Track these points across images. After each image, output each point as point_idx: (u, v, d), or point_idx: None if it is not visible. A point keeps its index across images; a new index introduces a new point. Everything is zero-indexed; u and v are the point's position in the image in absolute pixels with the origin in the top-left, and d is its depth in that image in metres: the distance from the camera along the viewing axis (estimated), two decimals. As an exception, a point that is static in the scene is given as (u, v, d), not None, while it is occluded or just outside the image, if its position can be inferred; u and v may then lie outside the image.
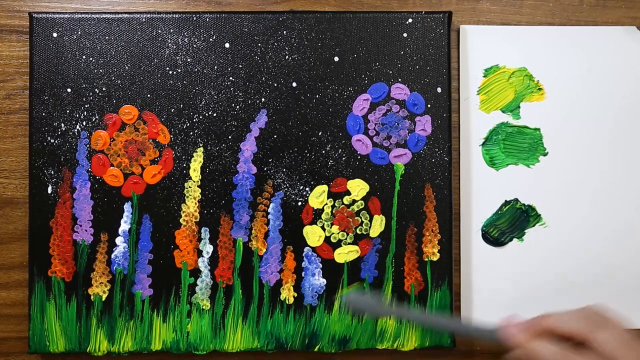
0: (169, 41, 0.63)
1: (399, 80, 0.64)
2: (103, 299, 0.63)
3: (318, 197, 0.64)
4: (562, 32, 0.66)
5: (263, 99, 0.64)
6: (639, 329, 0.66)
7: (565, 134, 0.66)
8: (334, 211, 0.64)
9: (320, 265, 0.64)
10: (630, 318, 0.66)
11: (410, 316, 0.58)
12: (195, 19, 0.63)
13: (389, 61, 0.64)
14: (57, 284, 0.63)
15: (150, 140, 0.64)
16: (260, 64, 0.64)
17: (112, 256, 0.63)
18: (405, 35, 0.64)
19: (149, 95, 0.63)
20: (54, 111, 0.63)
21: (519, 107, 0.66)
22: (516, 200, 0.66)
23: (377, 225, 0.64)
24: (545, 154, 0.66)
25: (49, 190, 0.63)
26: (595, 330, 0.46)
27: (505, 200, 0.66)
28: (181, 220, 0.63)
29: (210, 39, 0.63)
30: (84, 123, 0.63)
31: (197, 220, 0.63)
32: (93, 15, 0.63)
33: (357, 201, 0.64)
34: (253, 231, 0.64)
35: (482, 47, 0.66)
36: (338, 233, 0.64)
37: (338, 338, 0.64)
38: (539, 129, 0.66)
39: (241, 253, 0.64)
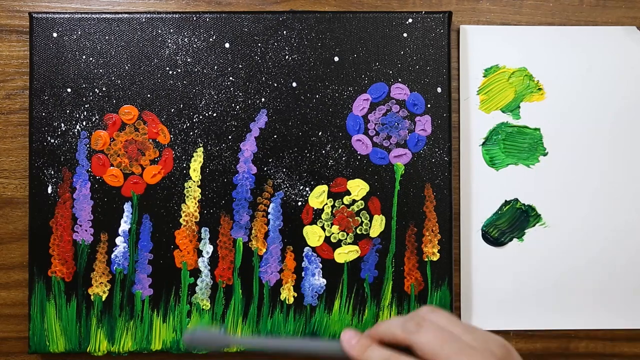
0: (169, 41, 0.63)
1: (399, 80, 0.64)
2: (103, 299, 0.63)
3: (318, 197, 0.64)
4: (562, 32, 0.66)
5: (263, 99, 0.64)
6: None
7: (565, 134, 0.66)
8: (334, 211, 0.64)
9: (320, 265, 0.64)
10: (631, 318, 0.66)
11: (256, 344, 0.57)
12: (195, 19, 0.63)
13: (389, 61, 0.64)
14: (57, 284, 0.63)
15: (150, 140, 0.64)
16: (260, 64, 0.64)
17: (112, 256, 0.63)
18: (405, 35, 0.64)
19: (149, 95, 0.63)
20: (54, 111, 0.63)
21: (519, 107, 0.66)
22: (516, 200, 0.66)
23: (377, 225, 0.64)
24: (545, 154, 0.66)
25: (49, 190, 0.63)
26: (414, 332, 0.45)
27: (505, 200, 0.66)
28: (181, 220, 0.63)
29: (210, 39, 0.63)
30: (84, 123, 0.63)
31: (197, 220, 0.63)
32: (93, 15, 0.63)
33: (357, 201, 0.64)
34: (253, 231, 0.64)
35: (482, 47, 0.66)
36: (338, 233, 0.64)
37: (338, 338, 0.64)
38: (539, 129, 0.66)
39: (241, 253, 0.64)
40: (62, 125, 0.63)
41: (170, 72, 0.63)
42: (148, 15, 0.63)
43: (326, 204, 0.64)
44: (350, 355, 0.48)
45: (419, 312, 0.48)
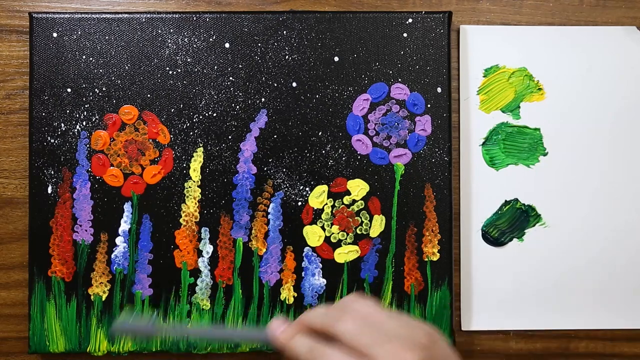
0: (169, 41, 0.63)
1: (399, 80, 0.64)
2: (103, 299, 0.63)
3: (318, 197, 0.64)
4: (562, 32, 0.66)
5: (263, 99, 0.64)
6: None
7: (565, 134, 0.66)
8: (334, 211, 0.64)
9: (320, 265, 0.64)
10: (631, 318, 0.66)
11: (183, 332, 0.55)
12: (195, 19, 0.63)
13: (389, 61, 0.64)
14: (57, 284, 0.63)
15: (150, 140, 0.64)
16: (260, 64, 0.64)
17: (112, 256, 0.63)
18: (405, 35, 0.64)
19: (149, 95, 0.63)
20: (54, 111, 0.63)
21: (519, 107, 0.66)
22: (516, 200, 0.66)
23: (377, 225, 0.64)
24: (545, 154, 0.66)
25: (49, 190, 0.63)
26: (337, 320, 0.44)
27: (505, 200, 0.66)
28: (181, 220, 0.63)
29: (210, 39, 0.63)
30: (84, 123, 0.63)
31: (197, 220, 0.63)
32: (93, 15, 0.63)
33: (357, 201, 0.64)
34: (253, 231, 0.64)
35: (482, 47, 0.66)
36: (338, 233, 0.64)
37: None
38: (539, 129, 0.66)
39: (241, 253, 0.64)
40: (62, 125, 0.63)
41: (170, 72, 0.63)
42: (148, 15, 0.63)
43: (326, 204, 0.64)
44: (277, 343, 0.48)
45: (344, 300, 0.47)
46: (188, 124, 0.63)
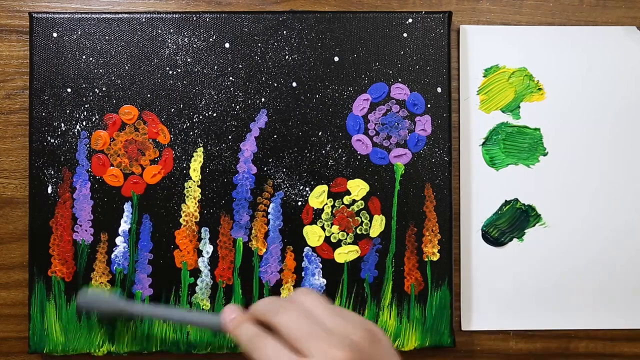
0: (169, 41, 0.63)
1: (399, 80, 0.64)
2: (103, 299, 0.63)
3: (318, 197, 0.64)
4: (562, 32, 0.66)
5: (263, 99, 0.64)
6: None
7: (565, 134, 0.66)
8: (334, 211, 0.64)
9: (320, 265, 0.64)
10: (631, 318, 0.66)
11: (140, 311, 0.58)
12: (195, 19, 0.63)
13: (389, 61, 0.64)
14: (57, 284, 0.63)
15: (150, 140, 0.64)
16: (260, 64, 0.64)
17: (112, 256, 0.63)
18: (405, 35, 0.64)
19: (149, 95, 0.63)
20: (54, 111, 0.63)
21: (519, 107, 0.66)
22: (516, 200, 0.66)
23: (377, 225, 0.64)
24: (545, 154, 0.66)
25: (49, 190, 0.63)
26: (275, 314, 0.44)
27: (505, 200, 0.66)
28: (181, 220, 0.63)
29: (210, 39, 0.63)
30: (84, 123, 0.63)
31: (197, 220, 0.63)
32: (93, 15, 0.63)
33: (357, 201, 0.64)
34: (253, 231, 0.64)
35: (482, 47, 0.66)
36: (338, 233, 0.64)
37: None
38: (539, 129, 0.66)
39: (241, 253, 0.64)
40: (62, 125, 0.63)
41: (170, 72, 0.63)
42: (148, 15, 0.63)
43: (326, 204, 0.64)
44: (227, 329, 0.48)
45: (292, 293, 0.47)
46: (188, 124, 0.63)
